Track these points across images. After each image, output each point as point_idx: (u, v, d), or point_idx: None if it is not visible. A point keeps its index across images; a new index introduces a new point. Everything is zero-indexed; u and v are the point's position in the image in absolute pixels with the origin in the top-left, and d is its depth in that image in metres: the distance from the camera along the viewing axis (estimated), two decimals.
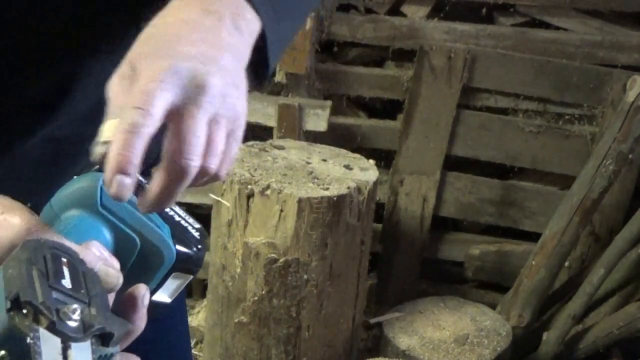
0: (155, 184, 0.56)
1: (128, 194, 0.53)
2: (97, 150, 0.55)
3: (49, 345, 0.47)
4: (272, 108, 2.28)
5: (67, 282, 0.51)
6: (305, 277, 1.82)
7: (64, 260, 0.52)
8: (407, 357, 1.97)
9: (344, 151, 2.05)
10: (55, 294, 0.49)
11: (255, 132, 2.38)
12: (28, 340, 0.46)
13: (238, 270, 1.84)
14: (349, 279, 1.92)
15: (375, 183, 1.89)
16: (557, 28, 2.38)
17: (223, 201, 1.84)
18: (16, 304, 0.47)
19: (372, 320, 2.21)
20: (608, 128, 2.15)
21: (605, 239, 2.34)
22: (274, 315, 1.85)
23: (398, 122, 2.44)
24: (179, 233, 0.63)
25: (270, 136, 2.30)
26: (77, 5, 0.72)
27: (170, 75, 0.56)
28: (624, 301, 2.29)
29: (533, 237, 2.38)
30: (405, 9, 2.40)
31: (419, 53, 2.32)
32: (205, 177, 0.58)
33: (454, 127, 2.37)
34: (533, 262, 2.20)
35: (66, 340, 0.47)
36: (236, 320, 1.88)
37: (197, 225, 0.65)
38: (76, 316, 0.49)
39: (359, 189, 1.82)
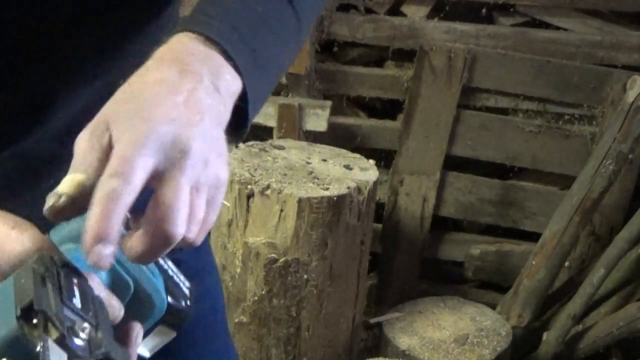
0: (138, 243, 0.54)
1: (108, 263, 0.52)
2: (49, 201, 0.54)
3: (55, 358, 0.47)
4: (272, 108, 2.28)
5: (77, 302, 0.51)
6: (305, 277, 1.82)
7: (75, 280, 0.53)
8: (407, 357, 1.97)
9: (344, 151, 2.05)
10: (65, 310, 0.49)
11: (255, 132, 2.38)
12: (38, 348, 0.46)
13: (238, 270, 1.84)
14: (349, 279, 1.92)
15: (375, 183, 1.89)
16: (557, 28, 2.38)
17: (223, 201, 1.84)
18: (27, 313, 0.47)
19: (372, 320, 2.21)
20: (608, 128, 2.15)
21: (605, 239, 2.34)
22: (274, 315, 1.85)
23: (398, 122, 2.44)
24: (171, 286, 0.62)
25: (270, 136, 2.30)
26: (77, 6, 0.70)
27: (152, 140, 0.54)
28: (624, 301, 2.29)
29: (533, 237, 2.38)
30: (405, 9, 2.40)
31: (419, 53, 2.32)
32: (181, 244, 0.56)
33: (454, 127, 2.37)
34: (533, 262, 2.20)
35: (72, 357, 0.47)
36: (236, 320, 1.88)
37: (188, 284, 0.65)
38: (84, 335, 0.49)
39: (359, 189, 1.82)
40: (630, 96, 2.04)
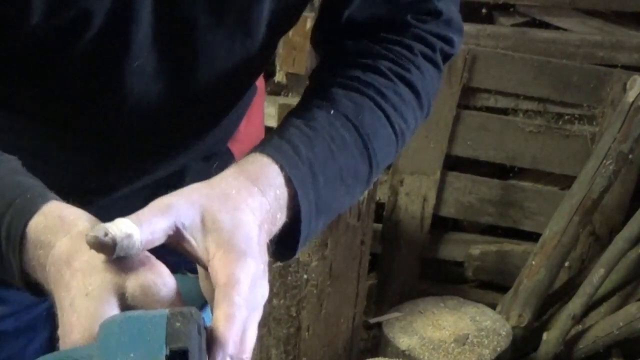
0: None
1: None
2: (96, 231, 0.57)
3: None
4: (272, 108, 2.28)
5: None
6: (305, 277, 1.82)
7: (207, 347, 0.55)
8: (407, 357, 1.97)
9: None
10: None
11: None
12: None
13: None
14: (349, 279, 1.92)
15: (375, 183, 1.89)
16: (557, 28, 2.38)
17: None
18: (176, 357, 0.51)
19: (372, 320, 2.21)
20: (608, 128, 2.15)
21: (605, 239, 2.34)
22: (274, 315, 1.85)
23: None
24: None
25: None
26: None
27: (249, 290, 0.59)
28: (623, 301, 2.28)
29: (533, 237, 2.38)
30: None
31: None
32: None
33: (454, 127, 2.37)
34: (533, 262, 2.20)
35: None
36: None
37: None
38: None
39: None
40: (630, 96, 2.04)
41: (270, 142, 0.72)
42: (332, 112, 0.77)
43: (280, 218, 0.68)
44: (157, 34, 0.73)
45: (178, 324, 0.52)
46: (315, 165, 0.72)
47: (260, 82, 1.02)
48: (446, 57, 0.89)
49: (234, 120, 0.97)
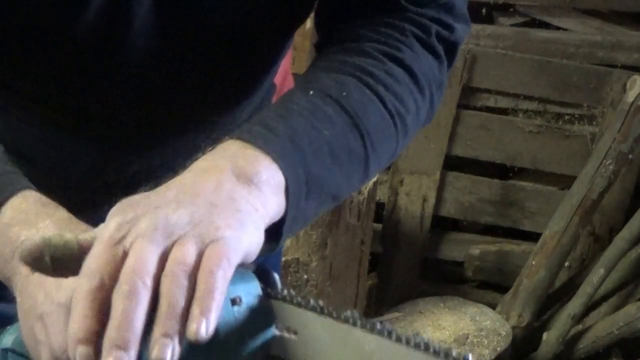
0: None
1: None
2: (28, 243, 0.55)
3: None
4: None
5: None
6: (305, 277, 1.82)
7: None
8: None
9: None
10: None
11: None
12: None
13: None
14: (349, 279, 1.92)
15: (375, 183, 1.89)
16: (557, 28, 2.38)
17: None
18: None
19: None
20: (608, 128, 2.15)
21: (605, 239, 2.34)
22: None
23: None
24: None
25: None
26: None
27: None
28: (623, 301, 2.29)
29: (533, 237, 2.38)
30: None
31: None
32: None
33: (454, 127, 2.37)
34: (533, 262, 2.20)
35: None
36: None
37: None
38: None
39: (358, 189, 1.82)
40: (630, 96, 2.04)
41: (239, 130, 0.65)
42: (311, 92, 0.69)
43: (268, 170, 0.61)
44: (158, 10, 0.72)
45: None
46: (295, 138, 0.64)
47: (279, 81, 0.98)
48: (446, 43, 0.81)
49: (250, 115, 0.88)
